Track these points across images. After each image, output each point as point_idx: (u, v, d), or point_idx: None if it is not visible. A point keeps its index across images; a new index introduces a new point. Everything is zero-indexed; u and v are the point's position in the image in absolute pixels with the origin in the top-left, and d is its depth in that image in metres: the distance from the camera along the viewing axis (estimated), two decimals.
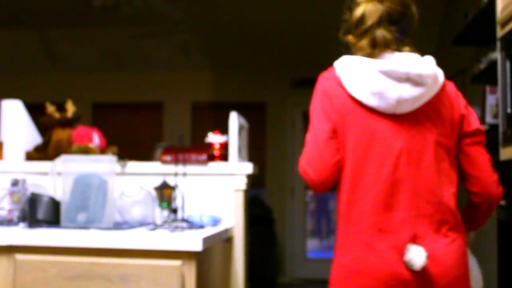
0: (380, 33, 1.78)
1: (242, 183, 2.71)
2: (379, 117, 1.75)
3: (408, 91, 1.72)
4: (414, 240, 1.69)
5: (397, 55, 1.78)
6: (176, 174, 2.49)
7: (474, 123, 1.83)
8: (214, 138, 2.80)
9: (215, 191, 2.74)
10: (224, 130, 2.82)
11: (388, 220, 1.70)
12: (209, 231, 2.30)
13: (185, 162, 2.59)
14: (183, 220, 2.34)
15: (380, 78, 1.73)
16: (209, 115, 6.91)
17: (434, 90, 1.77)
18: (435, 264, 1.68)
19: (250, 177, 2.77)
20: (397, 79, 1.72)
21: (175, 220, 2.34)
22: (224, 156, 2.79)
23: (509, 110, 2.48)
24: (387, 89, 1.72)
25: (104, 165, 2.41)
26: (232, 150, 2.72)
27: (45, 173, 2.79)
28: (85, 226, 2.31)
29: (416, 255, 1.64)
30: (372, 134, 1.75)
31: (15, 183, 2.60)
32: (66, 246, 2.14)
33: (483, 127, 1.86)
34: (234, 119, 2.73)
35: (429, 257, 1.66)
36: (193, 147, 2.76)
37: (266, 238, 5.25)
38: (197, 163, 2.69)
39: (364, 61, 1.76)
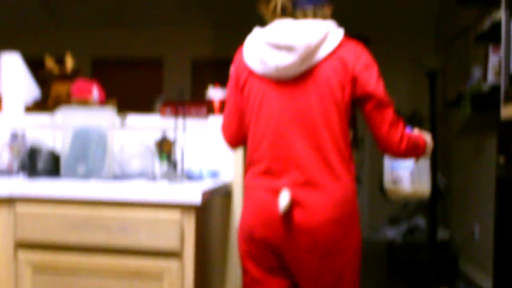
0: (281, 1, 1.96)
1: None
2: (268, 82, 1.96)
3: (284, 59, 1.90)
4: (290, 186, 1.88)
5: (285, 23, 1.94)
6: (175, 128, 2.49)
7: (370, 85, 1.92)
8: (214, 93, 2.79)
9: (215, 146, 2.74)
10: (224, 86, 2.81)
11: (272, 169, 1.93)
12: (209, 184, 2.31)
13: (185, 115, 2.58)
14: (183, 173, 2.35)
15: (263, 47, 1.94)
16: (209, 71, 6.87)
17: (316, 57, 1.91)
18: (300, 210, 1.87)
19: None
20: (276, 47, 1.90)
21: (174, 173, 2.34)
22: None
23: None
24: (266, 57, 1.93)
25: (103, 117, 2.41)
26: None
27: (44, 126, 2.79)
28: (84, 177, 2.32)
29: (282, 199, 1.84)
30: (262, 98, 1.97)
31: (14, 135, 2.60)
32: (66, 197, 2.15)
33: (383, 90, 1.94)
34: None
35: (296, 203, 1.87)
36: (193, 101, 2.75)
37: None
38: (197, 117, 2.69)
39: (257, 32, 1.99)
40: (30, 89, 2.99)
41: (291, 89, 1.94)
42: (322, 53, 1.91)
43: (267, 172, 1.94)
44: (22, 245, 2.19)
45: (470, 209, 5.46)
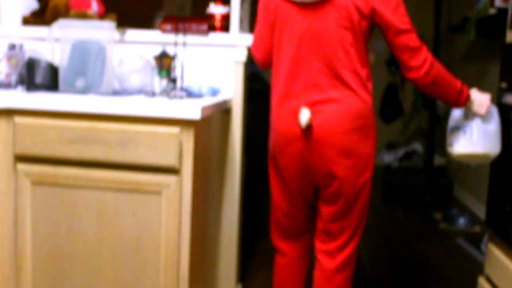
0: None
1: (243, 55, 2.68)
2: (293, 6, 2.06)
3: None
4: (309, 105, 2.03)
5: None
6: (176, 44, 2.45)
7: (387, 16, 2.00)
8: (215, 9, 2.74)
9: (215, 63, 2.71)
10: (226, 0, 2.75)
11: (292, 89, 2.07)
12: (208, 100, 2.30)
13: (185, 31, 2.54)
14: (182, 89, 2.33)
15: None
16: None
17: None
18: (319, 122, 2.02)
19: (250, 51, 2.73)
20: None
21: (174, 89, 2.32)
22: (225, 27, 2.74)
23: None
24: None
25: (102, 31, 2.36)
26: (234, 21, 2.66)
27: (42, 39, 2.75)
28: (83, 91, 2.30)
29: (303, 115, 1.99)
30: (286, 19, 2.08)
31: (12, 47, 2.56)
32: (64, 110, 2.14)
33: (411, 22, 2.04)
34: None
35: (315, 117, 2.02)
36: (194, 17, 2.70)
37: (264, 114, 5.28)
38: (197, 33, 2.64)
39: None
40: (27, 0, 2.92)
41: (312, 14, 2.03)
42: None
43: (288, 94, 2.08)
44: (21, 158, 2.20)
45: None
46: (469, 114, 2.28)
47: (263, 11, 2.21)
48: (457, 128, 2.33)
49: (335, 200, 2.12)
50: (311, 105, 2.03)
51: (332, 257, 2.20)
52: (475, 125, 2.26)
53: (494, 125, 2.29)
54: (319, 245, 2.23)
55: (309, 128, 2.03)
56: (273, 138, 2.16)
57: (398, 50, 2.05)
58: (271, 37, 2.18)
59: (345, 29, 2.01)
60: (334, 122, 2.02)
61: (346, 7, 1.99)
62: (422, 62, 2.03)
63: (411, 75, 2.06)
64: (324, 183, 2.11)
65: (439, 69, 2.08)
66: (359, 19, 2.00)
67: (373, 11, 2.00)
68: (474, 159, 2.32)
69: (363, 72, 2.05)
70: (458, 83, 2.15)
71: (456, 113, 2.37)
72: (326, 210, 2.16)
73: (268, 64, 2.28)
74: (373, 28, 2.08)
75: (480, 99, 2.23)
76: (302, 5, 2.04)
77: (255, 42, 2.28)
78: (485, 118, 2.27)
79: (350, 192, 2.10)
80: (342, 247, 2.18)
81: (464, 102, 2.19)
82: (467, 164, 2.18)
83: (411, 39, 2.03)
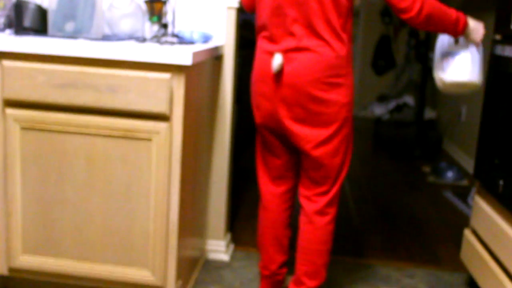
0: None
1: (235, 1, 2.63)
2: None
3: None
4: (283, 51, 2.07)
5: None
6: None
7: None
8: None
9: (207, 8, 2.66)
10: None
11: (272, 35, 2.11)
12: (200, 46, 2.27)
13: None
14: (174, 35, 2.29)
15: None
16: None
17: None
18: (290, 68, 2.06)
19: None
20: None
21: (165, 34, 2.29)
22: None
23: None
24: None
25: None
26: None
27: None
28: (73, 35, 2.26)
29: (275, 60, 2.05)
30: None
31: None
32: (54, 54, 2.10)
33: None
34: None
35: (287, 62, 2.06)
36: None
37: None
38: None
39: None
40: None
41: None
42: None
43: (269, 38, 2.12)
44: (10, 102, 2.18)
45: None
46: (463, 41, 2.27)
47: None
48: (450, 54, 2.30)
49: (306, 147, 2.15)
50: (286, 52, 2.07)
51: (313, 201, 2.24)
52: (470, 53, 2.26)
53: (482, 54, 2.29)
54: (302, 191, 2.28)
55: (280, 73, 2.08)
56: (252, 76, 2.23)
57: None
58: None
59: None
60: (304, 71, 2.05)
61: None
62: (411, 2, 2.03)
63: (404, 16, 2.07)
64: (293, 129, 2.14)
65: (431, 4, 2.07)
66: None
67: None
68: (463, 88, 2.31)
69: (338, 22, 2.05)
70: (453, 13, 2.15)
71: (445, 39, 2.34)
72: (304, 159, 2.20)
73: (252, 9, 2.30)
74: None
75: (476, 26, 2.24)
76: None
77: None
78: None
79: (319, 138, 2.12)
80: (324, 193, 2.23)
81: (463, 30, 2.20)
82: (451, 93, 2.18)
83: None
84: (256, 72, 2.20)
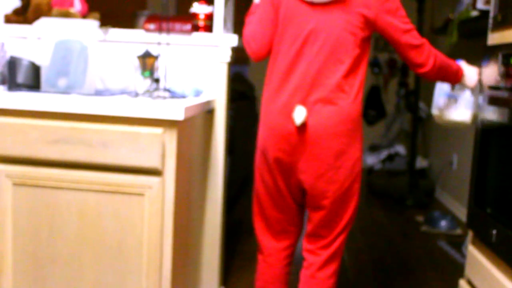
0: None
1: (226, 56, 2.67)
2: (300, 2, 2.09)
3: None
4: (302, 103, 2.07)
5: None
6: (159, 43, 2.43)
7: (391, 28, 2.12)
8: (199, 8, 2.72)
9: (199, 63, 2.70)
10: (210, 0, 2.74)
11: (287, 84, 2.10)
12: (191, 101, 2.29)
13: (168, 31, 2.52)
14: (166, 90, 2.31)
15: None
16: None
17: None
18: (312, 119, 2.06)
19: (234, 51, 2.72)
20: None
21: (157, 89, 2.31)
22: (209, 27, 2.72)
23: None
24: None
25: (85, 30, 2.34)
26: (218, 21, 2.66)
27: (24, 37, 2.72)
28: (66, 91, 2.27)
29: (299, 114, 2.04)
30: (292, 15, 2.11)
31: None
32: (46, 110, 2.11)
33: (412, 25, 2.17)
34: None
35: (310, 114, 2.06)
36: (177, 16, 2.68)
37: (247, 115, 5.25)
38: (181, 33, 2.63)
39: None
40: None
41: (321, 13, 2.07)
42: None
43: (282, 89, 2.12)
44: (2, 158, 2.17)
45: (450, 138, 5.51)
46: (459, 86, 2.48)
47: (267, 3, 2.20)
48: (449, 97, 2.53)
49: (322, 202, 2.16)
50: (305, 103, 2.07)
51: (317, 255, 2.23)
52: (466, 96, 2.48)
53: (476, 97, 2.50)
54: (306, 245, 2.27)
55: (302, 126, 2.07)
56: (264, 133, 2.18)
57: (404, 49, 2.14)
58: (273, 30, 2.18)
59: (350, 33, 2.07)
60: (329, 123, 2.07)
61: (354, 12, 2.06)
62: (427, 57, 2.16)
63: (421, 70, 2.19)
64: (310, 183, 2.13)
65: (441, 57, 2.21)
66: (363, 26, 2.08)
67: (378, 17, 2.09)
68: (458, 125, 2.58)
69: (358, 78, 2.12)
70: (454, 64, 2.31)
71: (443, 84, 2.57)
72: (315, 215, 2.19)
73: (261, 56, 2.25)
74: (369, 40, 2.16)
75: (470, 73, 2.39)
76: (312, 4, 2.08)
77: (253, 31, 2.24)
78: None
79: (336, 192, 2.13)
80: (328, 245, 2.22)
81: (460, 79, 2.36)
82: (446, 127, 2.62)
83: (414, 37, 2.14)
84: (271, 129, 2.15)
